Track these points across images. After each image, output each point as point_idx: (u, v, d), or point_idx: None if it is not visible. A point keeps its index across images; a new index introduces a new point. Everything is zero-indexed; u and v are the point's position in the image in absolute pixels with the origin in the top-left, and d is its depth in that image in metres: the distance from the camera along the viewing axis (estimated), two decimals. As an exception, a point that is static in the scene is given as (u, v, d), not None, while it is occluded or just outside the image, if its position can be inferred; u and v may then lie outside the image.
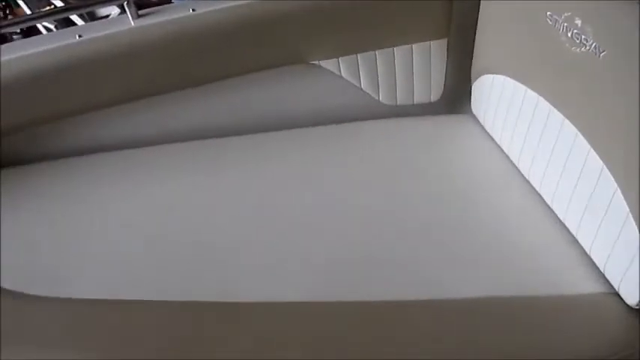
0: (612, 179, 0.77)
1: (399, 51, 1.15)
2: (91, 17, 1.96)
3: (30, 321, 0.81)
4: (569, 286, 0.84)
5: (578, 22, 0.79)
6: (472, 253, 0.89)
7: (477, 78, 1.14)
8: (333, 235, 0.93)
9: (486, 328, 0.79)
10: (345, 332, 0.79)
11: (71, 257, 0.92)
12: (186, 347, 0.77)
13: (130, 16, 1.05)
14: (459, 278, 0.85)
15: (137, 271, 0.89)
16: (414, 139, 1.16)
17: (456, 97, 1.23)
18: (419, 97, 1.22)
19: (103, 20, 1.15)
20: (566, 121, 0.85)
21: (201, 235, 0.95)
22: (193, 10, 1.05)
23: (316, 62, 1.15)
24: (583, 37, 0.78)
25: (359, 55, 1.15)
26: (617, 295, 0.82)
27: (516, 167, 1.04)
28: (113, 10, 1.94)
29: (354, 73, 1.17)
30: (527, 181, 1.00)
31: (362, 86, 1.19)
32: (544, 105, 0.90)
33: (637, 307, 0.80)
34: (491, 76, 1.06)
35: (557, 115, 0.88)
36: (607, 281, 0.84)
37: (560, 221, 0.92)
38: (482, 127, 1.15)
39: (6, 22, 1.12)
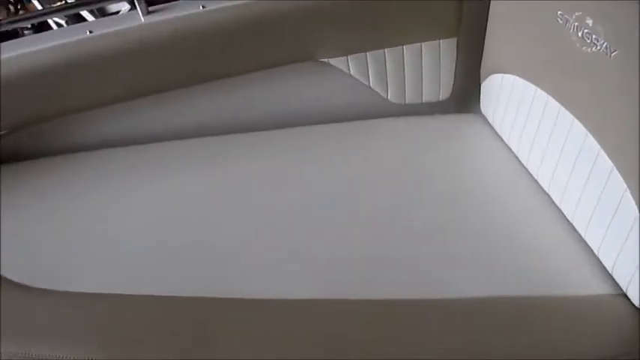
0: (622, 180, 0.77)
1: (408, 49, 1.15)
2: (101, 13, 1.97)
3: (33, 314, 0.82)
4: (577, 286, 0.84)
5: (590, 21, 0.78)
6: (479, 253, 0.89)
7: (486, 77, 1.13)
8: (339, 233, 0.93)
9: (492, 327, 0.79)
10: (351, 330, 0.79)
11: (75, 252, 0.92)
12: (190, 343, 0.77)
13: (140, 12, 1.05)
14: (465, 277, 0.85)
15: (140, 266, 0.89)
16: (422, 138, 1.15)
17: (464, 97, 1.22)
18: (428, 96, 1.22)
19: (114, 16, 1.15)
20: (576, 122, 0.85)
21: (206, 231, 0.95)
22: (203, 7, 1.06)
23: (325, 60, 1.15)
24: (594, 36, 0.78)
25: (368, 54, 1.15)
26: (625, 296, 0.82)
27: (525, 167, 1.03)
28: (123, 7, 1.95)
29: (363, 71, 1.17)
30: (536, 181, 1.00)
31: (370, 84, 1.19)
32: (554, 105, 0.90)
33: (645, 309, 0.79)
34: (500, 75, 1.06)
35: (566, 115, 0.87)
36: (615, 282, 0.83)
37: (569, 222, 0.92)
38: (491, 127, 1.15)
39: (17, 18, 1.12)
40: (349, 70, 1.16)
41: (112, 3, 1.89)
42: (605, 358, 0.77)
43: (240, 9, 1.06)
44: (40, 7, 2.10)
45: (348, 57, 1.15)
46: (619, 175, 0.77)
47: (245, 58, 1.12)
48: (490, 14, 1.08)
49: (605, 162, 0.80)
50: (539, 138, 0.96)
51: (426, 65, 1.17)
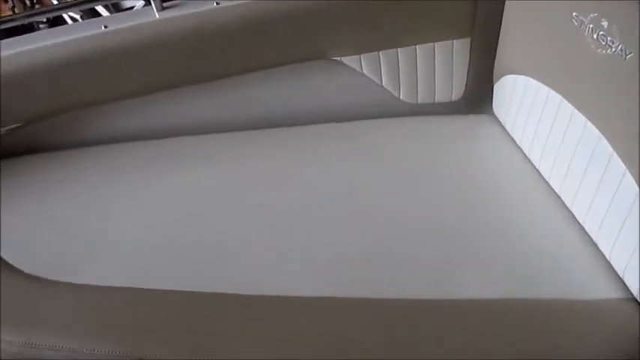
0: (634, 184, 0.76)
1: (421, 49, 1.15)
2: (116, 9, 1.98)
3: (37, 304, 0.83)
4: (587, 290, 0.83)
5: (605, 23, 0.78)
6: (488, 254, 0.89)
7: (499, 78, 1.13)
8: (349, 231, 0.94)
9: (501, 329, 0.79)
10: (358, 329, 0.79)
11: (83, 244, 0.93)
12: (195, 338, 0.77)
13: (154, 8, 1.06)
14: (475, 278, 0.84)
15: (146, 261, 0.89)
16: (433, 138, 1.15)
17: (477, 97, 1.22)
18: (440, 96, 1.21)
19: (128, 12, 1.16)
20: (589, 124, 0.84)
21: (214, 227, 0.95)
22: (217, 3, 1.06)
23: (338, 59, 1.15)
24: (609, 38, 0.77)
25: (381, 53, 1.15)
26: (636, 300, 0.81)
27: (536, 169, 1.03)
28: (138, 2, 1.96)
29: (376, 70, 1.17)
30: (547, 183, 0.99)
31: (383, 84, 1.19)
32: (567, 107, 0.89)
33: (656, 314, 0.79)
34: (513, 76, 1.05)
35: (579, 118, 0.87)
36: (625, 287, 0.83)
37: (580, 225, 0.91)
38: (503, 128, 1.14)
39: (33, 11, 1.14)
40: (362, 68, 1.16)
41: (127, -1, 1.91)
42: None
43: (254, 6, 1.06)
44: (55, 2, 2.12)
45: (361, 56, 1.15)
46: (631, 178, 0.77)
47: (258, 56, 1.12)
48: (504, 15, 1.07)
49: (618, 165, 0.79)
50: (551, 140, 0.95)
51: (438, 65, 1.17)
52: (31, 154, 1.16)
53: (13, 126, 1.11)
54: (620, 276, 0.83)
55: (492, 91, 1.17)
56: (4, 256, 0.90)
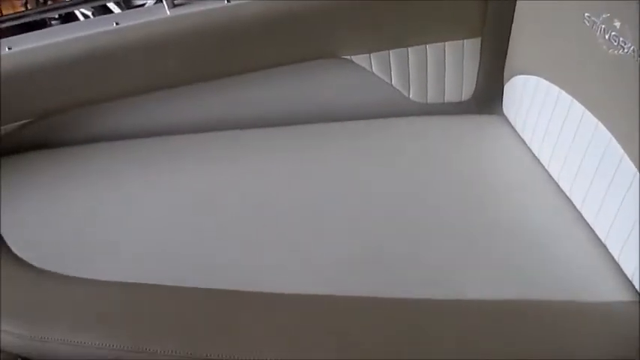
0: (645, 186, 0.76)
1: (431, 49, 1.15)
2: (127, 6, 1.99)
3: (56, 300, 0.83)
4: (596, 292, 0.83)
5: (617, 24, 0.77)
6: (497, 255, 0.88)
7: (509, 78, 1.12)
8: (353, 230, 0.94)
9: (508, 330, 0.79)
10: (366, 328, 0.79)
11: (90, 240, 0.94)
12: (201, 334, 0.77)
13: (166, 5, 1.06)
14: (479, 279, 0.84)
15: (150, 257, 0.90)
16: (443, 138, 1.15)
17: (487, 97, 1.21)
18: (450, 96, 1.21)
19: (140, 9, 1.16)
20: (600, 125, 0.84)
21: (220, 224, 0.96)
22: (228, 1, 1.06)
23: (348, 57, 1.15)
24: (621, 39, 0.77)
25: (391, 52, 1.15)
26: (645, 304, 0.81)
27: (546, 170, 1.02)
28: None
29: (386, 69, 1.17)
30: (557, 184, 0.99)
31: (393, 83, 1.18)
32: (577, 108, 0.89)
33: (664, 318, 0.78)
34: (524, 76, 1.05)
35: (590, 119, 0.86)
36: (634, 289, 0.82)
37: (589, 227, 0.91)
38: (513, 129, 1.14)
39: (46, 8, 1.14)
40: (371, 67, 1.16)
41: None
42: None
43: (265, 4, 1.07)
44: (67, -1, 2.13)
45: (371, 55, 1.15)
46: None
47: (269, 54, 1.13)
48: (515, 15, 1.07)
49: (629, 167, 0.78)
50: (561, 141, 0.95)
51: (449, 65, 1.17)
52: (37, 150, 1.17)
53: (25, 121, 1.12)
54: (630, 278, 0.83)
55: (502, 91, 1.17)
56: (14, 250, 0.91)
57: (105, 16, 1.13)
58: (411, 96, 1.20)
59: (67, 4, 1.17)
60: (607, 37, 0.79)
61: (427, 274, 0.85)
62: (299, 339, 0.77)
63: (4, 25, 1.08)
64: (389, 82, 1.18)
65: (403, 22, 1.12)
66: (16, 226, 0.96)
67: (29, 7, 2.27)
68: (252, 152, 1.13)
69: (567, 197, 0.96)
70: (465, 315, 0.80)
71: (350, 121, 1.20)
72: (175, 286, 0.84)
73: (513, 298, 0.81)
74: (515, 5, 1.06)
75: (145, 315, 0.81)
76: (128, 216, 0.98)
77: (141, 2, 2.00)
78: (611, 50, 0.79)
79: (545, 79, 0.97)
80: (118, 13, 1.16)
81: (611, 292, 0.82)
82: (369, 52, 1.15)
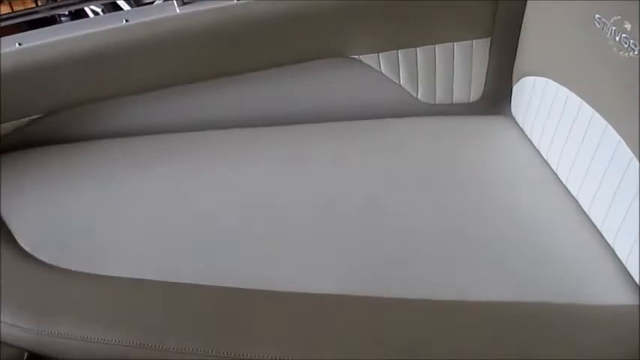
0: (654, 190, 0.76)
1: (440, 49, 1.14)
2: (137, 3, 2.00)
3: (68, 295, 0.83)
4: (603, 295, 0.82)
5: (628, 26, 0.77)
6: (503, 257, 0.88)
7: (518, 80, 1.12)
8: (358, 230, 0.93)
9: (510, 332, 0.78)
10: (371, 328, 0.79)
11: (93, 238, 0.94)
12: (211, 331, 0.78)
13: (175, 3, 1.07)
14: (485, 280, 0.84)
15: (160, 254, 0.90)
16: (450, 139, 1.15)
17: (495, 98, 1.21)
18: (458, 97, 1.21)
19: (149, 6, 1.17)
20: (609, 127, 0.84)
21: (230, 221, 0.96)
22: (238, -1, 1.07)
23: (356, 57, 1.15)
24: (632, 41, 0.76)
25: (399, 52, 1.15)
26: (652, 308, 0.80)
27: (554, 172, 1.02)
28: (159, -4, 1.97)
29: (394, 69, 1.17)
30: (565, 187, 0.99)
31: (401, 83, 1.18)
32: (586, 110, 0.88)
33: (671, 322, 0.78)
34: (533, 78, 1.04)
35: (599, 121, 0.86)
36: None
37: (596, 229, 0.91)
38: (521, 130, 1.13)
39: (56, 4, 1.15)
40: (380, 67, 1.16)
41: (148, -7, 1.92)
42: None
43: (274, 3, 1.07)
44: (77, -5, 2.14)
45: (379, 54, 1.15)
46: None
47: (276, 52, 1.13)
48: (525, 16, 1.06)
49: (637, 171, 0.78)
50: (570, 143, 0.95)
51: (457, 65, 1.16)
52: (45, 146, 1.17)
53: (35, 117, 1.13)
54: (637, 281, 0.82)
55: (511, 92, 1.16)
56: (23, 245, 0.91)
57: (114, 13, 1.14)
58: (419, 96, 1.20)
59: (77, 0, 1.18)
60: (617, 39, 0.79)
61: (428, 275, 0.85)
62: (298, 339, 0.77)
63: (14, 22, 1.08)
64: (397, 82, 1.18)
65: (412, 22, 1.12)
66: (23, 221, 0.96)
67: (39, 3, 2.28)
68: (258, 151, 1.13)
69: (575, 199, 0.96)
70: (466, 316, 0.80)
71: (357, 121, 1.20)
72: (183, 282, 0.84)
73: (517, 300, 0.81)
74: (525, 6, 1.06)
75: (161, 312, 0.81)
76: (135, 212, 0.99)
77: (150, 0, 2.01)
78: (621, 52, 0.79)
79: (555, 80, 0.97)
80: (128, 10, 1.17)
81: (615, 295, 0.82)
82: (378, 51, 1.15)
